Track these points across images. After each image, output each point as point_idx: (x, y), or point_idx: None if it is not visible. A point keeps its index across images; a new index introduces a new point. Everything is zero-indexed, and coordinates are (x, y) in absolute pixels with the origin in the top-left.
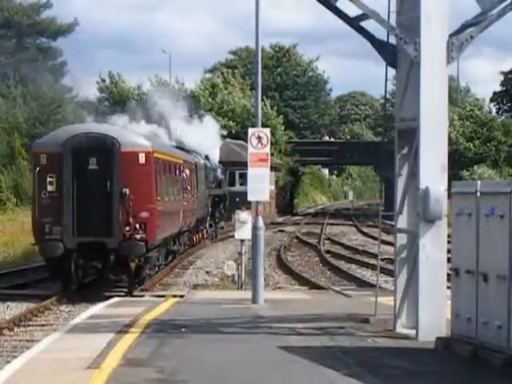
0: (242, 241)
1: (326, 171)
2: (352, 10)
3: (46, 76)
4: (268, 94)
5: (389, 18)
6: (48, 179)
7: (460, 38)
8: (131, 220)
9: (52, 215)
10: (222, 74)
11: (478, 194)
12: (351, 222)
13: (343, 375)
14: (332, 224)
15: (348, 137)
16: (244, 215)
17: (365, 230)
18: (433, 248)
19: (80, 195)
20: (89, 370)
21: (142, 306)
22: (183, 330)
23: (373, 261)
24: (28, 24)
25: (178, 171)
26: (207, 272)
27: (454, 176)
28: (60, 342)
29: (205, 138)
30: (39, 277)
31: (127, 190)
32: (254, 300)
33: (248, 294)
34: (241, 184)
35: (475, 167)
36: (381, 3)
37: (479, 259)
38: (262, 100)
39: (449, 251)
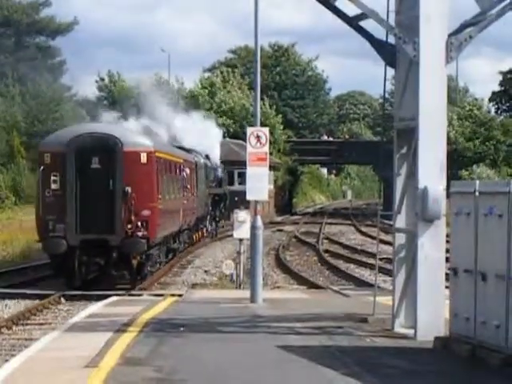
0: (241, 240)
1: (324, 171)
2: (351, 10)
3: (44, 75)
4: (267, 93)
5: (388, 17)
6: (52, 178)
7: (459, 38)
8: (133, 218)
9: (56, 213)
10: (222, 73)
11: (477, 193)
12: (350, 222)
13: (342, 375)
14: (331, 223)
15: (347, 136)
16: (243, 214)
17: (363, 229)
18: (431, 247)
19: (83, 193)
20: (87, 368)
21: (140, 305)
22: (181, 329)
23: (371, 260)
24: (27, 23)
25: (178, 170)
26: (206, 271)
27: (452, 176)
28: (58, 341)
29: (205, 137)
30: (38, 275)
31: (129, 189)
32: (253, 299)
33: (246, 294)
34: (239, 183)
35: (474, 167)
36: (380, 3)
37: (478, 259)
38: (261, 99)
39: (447, 251)
